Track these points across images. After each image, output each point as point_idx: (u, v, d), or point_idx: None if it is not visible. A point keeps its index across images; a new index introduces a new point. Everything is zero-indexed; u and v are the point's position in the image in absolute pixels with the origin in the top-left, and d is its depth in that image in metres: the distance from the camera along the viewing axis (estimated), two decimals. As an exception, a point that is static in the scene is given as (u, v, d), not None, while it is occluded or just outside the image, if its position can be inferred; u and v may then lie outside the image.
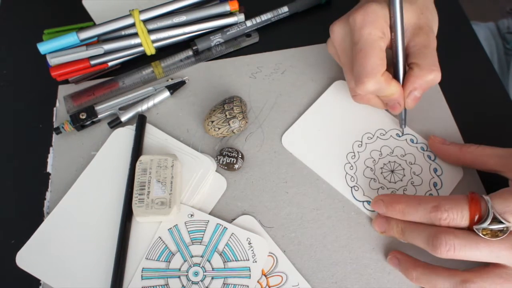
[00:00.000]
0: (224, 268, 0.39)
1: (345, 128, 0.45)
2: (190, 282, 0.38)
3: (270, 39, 0.51)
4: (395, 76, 0.41)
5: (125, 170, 0.42)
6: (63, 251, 0.40)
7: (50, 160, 0.44)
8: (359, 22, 0.38)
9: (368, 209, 0.41)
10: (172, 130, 0.45)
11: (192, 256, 0.39)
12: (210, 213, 0.41)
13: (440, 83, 0.47)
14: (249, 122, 0.46)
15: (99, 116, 0.45)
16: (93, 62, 0.47)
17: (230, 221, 0.41)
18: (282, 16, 0.51)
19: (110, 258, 0.39)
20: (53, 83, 0.48)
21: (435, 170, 0.42)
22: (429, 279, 0.36)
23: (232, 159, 0.43)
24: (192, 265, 0.39)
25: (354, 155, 0.44)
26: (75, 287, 0.38)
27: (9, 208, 0.43)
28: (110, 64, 0.49)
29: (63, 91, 0.48)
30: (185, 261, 0.39)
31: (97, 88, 0.48)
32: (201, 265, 0.39)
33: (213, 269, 0.39)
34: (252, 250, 0.39)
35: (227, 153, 0.43)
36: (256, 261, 0.39)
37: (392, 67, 0.41)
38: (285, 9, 0.51)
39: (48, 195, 0.43)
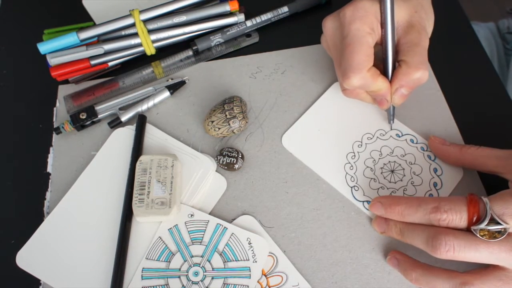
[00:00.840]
0: (224, 268, 0.39)
1: (345, 128, 0.45)
2: (190, 282, 0.38)
3: (270, 39, 0.51)
4: (384, 73, 0.41)
5: (125, 170, 0.42)
6: (63, 251, 0.40)
7: (50, 160, 0.44)
8: (348, 17, 0.39)
9: (368, 209, 0.41)
10: (172, 130, 0.45)
11: (192, 256, 0.39)
12: (210, 213, 0.41)
13: (440, 83, 0.47)
14: (249, 122, 0.46)
15: (99, 116, 0.45)
16: (93, 62, 0.47)
17: (230, 221, 0.41)
18: (282, 16, 0.51)
19: (110, 258, 0.39)
20: (53, 83, 0.48)
21: (435, 170, 0.42)
22: (428, 280, 0.35)
23: (232, 159, 0.43)
24: (192, 265, 0.39)
25: (354, 155, 0.44)
26: (75, 287, 0.38)
27: (9, 208, 0.43)
28: (110, 64, 0.49)
29: (63, 91, 0.48)
30: (185, 261, 0.39)
31: (97, 88, 0.48)
32: (201, 265, 0.39)
33: (213, 269, 0.39)
34: (252, 250, 0.39)
35: (227, 153, 0.43)
36: (256, 261, 0.39)
37: (382, 64, 0.41)
38: (285, 9, 0.51)
39: (48, 195, 0.43)
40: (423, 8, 0.41)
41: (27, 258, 0.39)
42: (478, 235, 0.33)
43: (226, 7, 0.50)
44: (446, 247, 0.33)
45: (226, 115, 0.43)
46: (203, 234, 0.40)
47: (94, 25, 0.47)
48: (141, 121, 0.45)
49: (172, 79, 0.48)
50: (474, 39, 0.50)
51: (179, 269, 0.39)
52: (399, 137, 0.44)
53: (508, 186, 0.37)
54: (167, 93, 0.47)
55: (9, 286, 0.39)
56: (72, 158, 0.44)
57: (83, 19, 0.52)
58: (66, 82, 0.49)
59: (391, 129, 0.45)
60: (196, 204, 0.41)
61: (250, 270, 0.38)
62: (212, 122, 0.43)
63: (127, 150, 0.44)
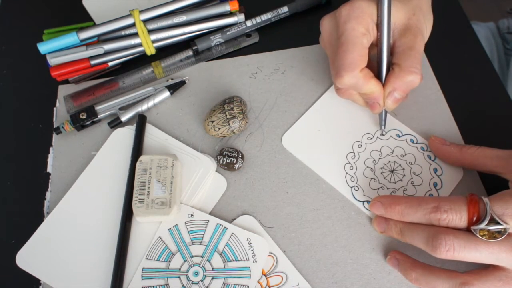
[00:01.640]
0: (224, 268, 0.39)
1: (345, 128, 0.45)
2: (190, 282, 0.38)
3: (270, 39, 0.51)
4: (378, 75, 0.41)
5: (125, 170, 0.42)
6: (63, 251, 0.40)
7: (50, 160, 0.44)
8: (344, 16, 0.39)
9: (368, 209, 0.41)
10: (172, 130, 0.45)
11: (192, 256, 0.39)
12: (210, 213, 0.41)
13: (440, 83, 0.47)
14: (249, 122, 0.46)
15: (99, 116, 0.45)
16: (93, 62, 0.47)
17: (230, 221, 0.41)
18: (282, 16, 0.51)
19: (110, 258, 0.39)
20: (53, 83, 0.48)
21: (435, 170, 0.42)
22: (428, 280, 0.35)
23: (232, 159, 0.43)
24: (192, 265, 0.39)
25: (354, 155, 0.44)
26: (75, 287, 0.38)
27: (9, 208, 0.43)
28: (110, 64, 0.49)
29: (63, 91, 0.48)
30: (185, 261, 0.39)
31: (97, 88, 0.48)
32: (201, 265, 0.39)
33: (213, 269, 0.39)
34: (252, 250, 0.39)
35: (227, 153, 0.43)
36: (256, 261, 0.39)
37: (377, 66, 0.41)
38: (285, 9, 0.51)
39: (48, 195, 0.43)
40: (422, 11, 0.41)
41: (27, 258, 0.39)
42: (478, 235, 0.33)
43: (226, 7, 0.50)
44: (446, 247, 0.33)
45: (226, 115, 0.43)
46: (203, 234, 0.40)
47: (94, 25, 0.47)
48: (141, 121, 0.45)
49: (172, 79, 0.48)
50: (474, 39, 0.50)
51: (179, 269, 0.39)
52: (399, 137, 0.44)
53: (509, 186, 0.37)
54: (167, 93, 0.47)
55: (9, 286, 0.39)
56: (72, 158, 0.44)
57: (83, 19, 0.52)
58: (66, 82, 0.49)
59: (383, 134, 0.44)
60: (196, 204, 0.41)
61: (250, 270, 0.38)
62: (212, 122, 0.43)
63: (127, 150, 0.44)
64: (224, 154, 0.43)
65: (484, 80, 0.48)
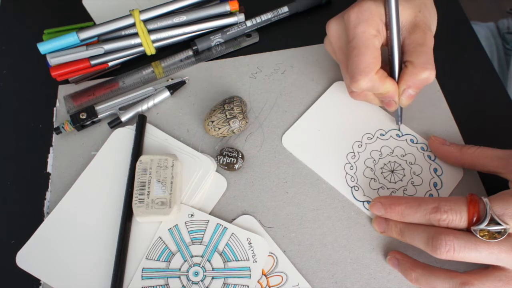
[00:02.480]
0: (224, 268, 0.39)
1: (345, 128, 0.45)
2: (190, 282, 0.38)
3: (270, 39, 0.51)
4: (391, 74, 0.41)
5: (125, 170, 0.42)
6: (63, 251, 0.40)
7: (50, 160, 0.44)
8: (353, 20, 0.39)
9: (368, 209, 0.41)
10: (172, 130, 0.45)
11: (192, 256, 0.39)
12: (210, 213, 0.41)
13: (440, 83, 0.47)
14: (249, 122, 0.46)
15: (99, 116, 0.45)
16: (93, 62, 0.47)
17: (230, 221, 0.41)
18: (282, 16, 0.51)
19: (110, 258, 0.39)
20: (53, 83, 0.48)
21: (435, 170, 0.42)
22: (428, 281, 0.36)
23: (232, 159, 0.43)
24: (192, 265, 0.39)
25: (354, 155, 0.44)
26: (75, 287, 0.38)
27: (9, 208, 0.43)
28: (110, 64, 0.49)
29: (63, 91, 0.48)
30: (185, 261, 0.39)
31: (97, 88, 0.48)
32: (201, 265, 0.39)
33: (213, 269, 0.39)
34: (252, 250, 0.39)
35: (227, 153, 0.43)
36: (256, 261, 0.39)
37: (388, 65, 0.41)
38: (285, 9, 0.51)
39: (48, 195, 0.43)
40: (427, 7, 0.41)
41: (27, 258, 0.39)
42: (478, 236, 0.33)
43: (226, 7, 0.50)
44: (446, 247, 0.33)
45: (226, 115, 0.43)
46: (203, 234, 0.40)
47: (94, 25, 0.47)
48: (141, 121, 0.45)
49: (172, 79, 0.48)
50: (474, 39, 0.50)
51: (179, 269, 0.39)
52: (399, 137, 0.44)
53: (509, 186, 0.37)
54: (167, 93, 0.47)
55: (9, 286, 0.39)
56: (72, 158, 0.44)
57: (83, 19, 0.52)
58: (66, 82, 0.49)
59: (399, 130, 0.44)
60: (196, 204, 0.41)
61: (250, 270, 0.38)
62: (212, 122, 0.43)
63: (127, 150, 0.43)
64: (224, 154, 0.43)
65: (484, 80, 0.48)
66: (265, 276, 0.39)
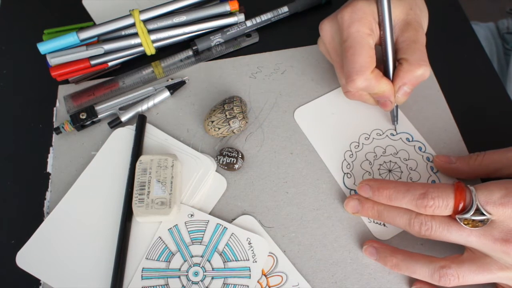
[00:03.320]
0: (224, 268, 0.39)
1: (357, 119, 0.45)
2: (190, 282, 0.38)
3: (270, 39, 0.51)
4: (385, 73, 0.41)
5: (125, 170, 0.42)
6: (63, 251, 0.40)
7: (50, 160, 0.44)
8: (346, 20, 0.39)
9: None
10: (172, 130, 0.45)
11: (192, 256, 0.39)
12: (210, 213, 0.41)
13: (440, 83, 0.47)
14: (249, 122, 0.46)
15: (99, 116, 0.45)
16: (93, 62, 0.47)
17: (230, 221, 0.41)
18: (282, 16, 0.51)
19: (110, 258, 0.39)
20: (53, 83, 0.48)
21: (432, 168, 0.43)
22: (408, 265, 0.36)
23: (232, 159, 0.43)
24: (192, 265, 0.39)
25: (358, 145, 0.44)
26: (75, 287, 0.38)
27: (9, 208, 0.43)
28: (110, 64, 0.49)
29: (63, 91, 0.48)
30: (185, 261, 0.39)
31: (97, 88, 0.48)
32: (201, 265, 0.39)
33: (213, 269, 0.39)
34: (252, 250, 0.39)
35: (227, 153, 0.43)
36: (256, 261, 0.39)
37: (382, 64, 0.41)
38: (285, 9, 0.51)
39: (48, 195, 0.43)
40: (417, 5, 0.41)
41: (27, 258, 0.39)
42: (462, 224, 0.34)
43: (226, 7, 0.50)
44: (425, 226, 0.35)
45: (226, 115, 0.43)
46: (203, 234, 0.40)
47: (94, 25, 0.47)
48: (141, 121, 0.45)
49: (172, 79, 0.48)
50: (474, 39, 0.50)
51: (179, 269, 0.39)
52: (409, 141, 0.44)
53: None
54: (167, 93, 0.47)
55: (9, 286, 0.39)
56: (72, 158, 0.44)
57: (83, 19, 0.52)
58: (66, 82, 0.49)
59: (396, 130, 0.44)
60: (196, 204, 0.41)
61: (250, 270, 0.38)
62: (212, 122, 0.43)
63: (127, 150, 0.44)
64: (224, 154, 0.43)
65: (484, 80, 0.48)
66: (265, 276, 0.39)
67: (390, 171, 0.43)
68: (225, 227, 0.40)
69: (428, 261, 0.36)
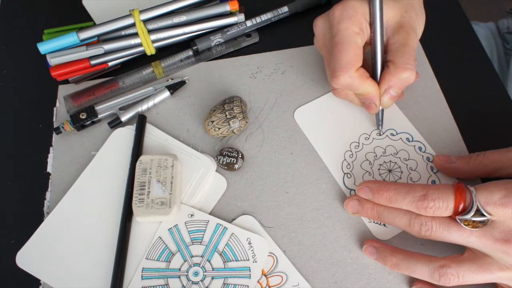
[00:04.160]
0: (224, 268, 0.39)
1: (356, 119, 0.45)
2: (190, 282, 0.38)
3: (270, 39, 0.51)
4: (373, 75, 0.41)
5: (125, 170, 0.42)
6: (63, 251, 0.40)
7: (50, 160, 0.44)
8: (337, 17, 0.39)
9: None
10: (172, 130, 0.45)
11: (192, 256, 0.39)
12: (210, 213, 0.41)
13: (440, 83, 0.47)
14: (249, 122, 0.46)
15: (99, 116, 0.45)
16: (93, 62, 0.47)
17: (230, 221, 0.41)
18: (282, 16, 0.51)
19: (110, 258, 0.39)
20: (53, 83, 0.48)
21: (432, 168, 0.43)
22: (408, 265, 0.36)
23: (232, 159, 0.43)
24: (192, 265, 0.39)
25: (358, 146, 0.44)
26: (75, 287, 0.38)
27: (9, 208, 0.43)
28: (110, 64, 0.49)
29: (63, 91, 0.48)
30: (185, 261, 0.39)
31: (97, 88, 0.48)
32: (201, 265, 0.39)
33: (213, 269, 0.39)
34: (252, 250, 0.39)
35: (227, 153, 0.43)
36: (256, 261, 0.39)
37: (371, 66, 0.41)
38: (285, 9, 0.51)
39: (48, 195, 0.43)
40: (414, 8, 0.41)
41: (27, 258, 0.39)
42: (462, 225, 0.34)
43: (226, 7, 0.50)
44: (426, 226, 0.35)
45: (226, 115, 0.43)
46: (203, 234, 0.40)
47: (94, 25, 0.47)
48: (141, 121, 0.45)
49: (172, 79, 0.48)
50: (474, 39, 0.50)
51: (179, 269, 0.39)
52: (409, 141, 0.44)
53: None
54: (167, 93, 0.47)
55: (9, 286, 0.39)
56: (72, 158, 0.44)
57: (83, 19, 0.52)
58: (66, 82, 0.49)
59: (381, 134, 0.44)
60: (196, 204, 0.41)
61: (250, 270, 0.38)
62: (212, 122, 0.43)
63: (127, 150, 0.44)
64: (224, 154, 0.43)
65: (484, 80, 0.48)
66: (265, 276, 0.39)
67: (390, 171, 0.43)
68: (225, 227, 0.40)
69: (428, 261, 0.36)
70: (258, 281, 0.38)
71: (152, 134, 0.45)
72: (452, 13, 0.52)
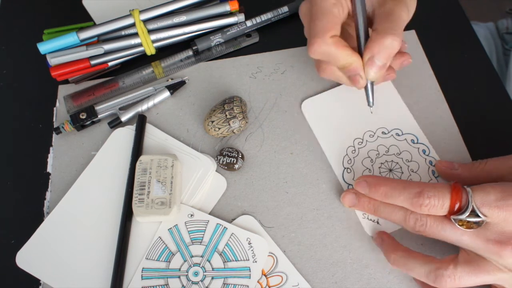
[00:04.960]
0: (224, 268, 0.39)
1: (363, 116, 0.45)
2: (190, 282, 0.38)
3: (270, 39, 0.51)
4: (359, 49, 0.40)
5: (125, 170, 0.42)
6: (63, 251, 0.40)
7: (50, 160, 0.44)
8: None
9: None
10: (172, 130, 0.46)
11: (192, 256, 0.39)
12: (210, 213, 0.41)
13: (440, 83, 0.47)
14: (249, 122, 0.46)
15: (99, 116, 0.45)
16: (93, 62, 0.47)
17: (230, 221, 0.41)
18: (282, 16, 0.51)
19: (110, 258, 0.39)
20: (53, 83, 0.48)
21: (433, 172, 0.43)
22: (406, 263, 0.36)
23: (232, 159, 0.43)
24: (192, 265, 0.39)
25: (362, 142, 0.44)
26: (75, 287, 0.38)
27: (9, 208, 0.43)
28: (110, 64, 0.49)
29: (63, 91, 0.48)
30: (185, 261, 0.39)
31: (97, 88, 0.48)
32: (201, 265, 0.39)
33: (213, 269, 0.39)
34: (252, 250, 0.39)
35: (227, 153, 0.43)
36: (256, 261, 0.39)
37: (356, 39, 0.40)
38: (285, 9, 0.51)
39: (48, 195, 0.43)
40: None
41: (27, 258, 0.39)
42: (456, 225, 0.34)
43: (226, 7, 0.50)
44: (420, 222, 0.35)
45: (226, 115, 0.43)
46: (203, 234, 0.40)
47: (94, 25, 0.47)
48: (141, 121, 0.45)
49: (172, 79, 0.48)
50: (474, 39, 0.50)
51: (179, 269, 0.39)
52: (414, 143, 0.44)
53: None
54: (167, 93, 0.47)
55: (9, 286, 0.39)
56: (72, 158, 0.44)
57: (83, 19, 0.52)
58: (66, 82, 0.49)
59: (371, 112, 0.43)
60: (196, 204, 0.41)
61: (250, 270, 0.38)
62: (212, 122, 0.43)
63: (127, 150, 0.44)
64: (224, 154, 0.43)
65: (484, 80, 0.48)
66: (265, 276, 0.39)
67: (390, 170, 0.43)
68: (225, 227, 0.40)
69: (426, 261, 0.36)
70: (258, 281, 0.38)
71: (152, 134, 0.45)
72: (452, 13, 0.52)
